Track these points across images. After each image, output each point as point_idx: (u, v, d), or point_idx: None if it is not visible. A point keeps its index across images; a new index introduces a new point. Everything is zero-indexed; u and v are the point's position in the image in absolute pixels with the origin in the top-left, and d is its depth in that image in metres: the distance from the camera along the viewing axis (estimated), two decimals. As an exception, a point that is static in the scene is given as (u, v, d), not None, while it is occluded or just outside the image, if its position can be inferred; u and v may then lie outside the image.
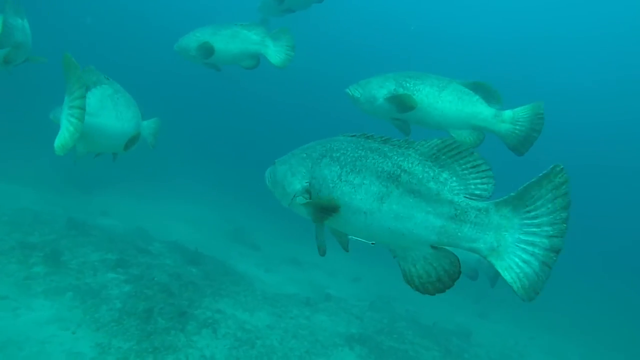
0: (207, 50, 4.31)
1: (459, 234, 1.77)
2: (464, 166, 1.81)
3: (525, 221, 1.74)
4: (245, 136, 24.16)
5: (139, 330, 4.22)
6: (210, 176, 14.90)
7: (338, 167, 1.94)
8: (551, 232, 1.71)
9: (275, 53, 4.46)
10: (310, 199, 2.01)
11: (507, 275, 1.74)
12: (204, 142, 20.71)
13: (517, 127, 3.30)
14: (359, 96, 3.59)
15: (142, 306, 4.64)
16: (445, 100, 3.40)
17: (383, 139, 1.97)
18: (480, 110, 3.40)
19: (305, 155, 2.11)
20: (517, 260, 1.73)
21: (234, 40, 4.35)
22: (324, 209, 1.92)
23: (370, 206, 1.85)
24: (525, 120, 3.28)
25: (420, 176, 1.82)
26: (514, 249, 1.73)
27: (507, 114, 3.34)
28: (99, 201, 9.63)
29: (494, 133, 3.41)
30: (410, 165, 1.85)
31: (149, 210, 10.47)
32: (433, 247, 1.84)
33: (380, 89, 3.50)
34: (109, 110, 2.72)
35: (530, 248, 1.72)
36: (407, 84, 3.44)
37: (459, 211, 1.77)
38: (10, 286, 4.56)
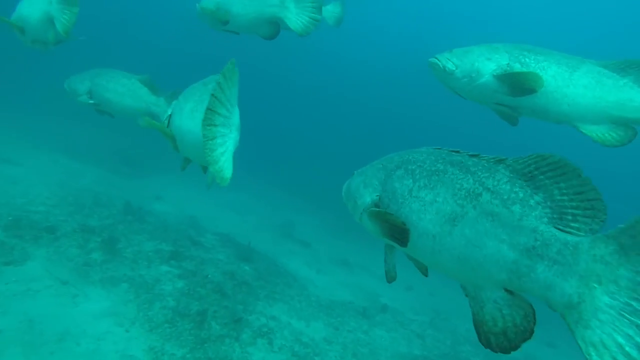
0: (223, 15, 3.59)
1: (532, 274, 1.36)
2: (564, 190, 1.40)
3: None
4: (297, 129, 23.90)
5: (193, 335, 3.90)
6: (260, 166, 14.73)
7: (411, 180, 1.70)
8: None
9: (296, 16, 3.58)
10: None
11: (592, 354, 1.16)
12: (255, 133, 20.71)
13: None
14: (454, 69, 2.72)
15: (196, 307, 4.34)
16: (579, 85, 2.58)
17: (471, 153, 1.66)
18: (631, 96, 2.54)
19: (381, 166, 1.89)
20: (611, 338, 1.14)
21: (252, 2, 3.60)
22: (391, 228, 1.66)
23: (440, 229, 1.56)
24: None
25: (506, 196, 1.47)
26: (610, 316, 1.17)
27: None
28: (153, 185, 9.64)
29: None
30: (495, 183, 1.51)
31: (200, 197, 10.39)
32: (507, 290, 1.48)
33: (487, 61, 2.67)
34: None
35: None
36: (527, 59, 2.62)
37: (538, 242, 1.38)
38: (70, 271, 4.43)
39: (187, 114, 1.94)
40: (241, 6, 3.59)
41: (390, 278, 2.13)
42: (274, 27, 3.74)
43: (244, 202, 11.31)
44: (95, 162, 9.56)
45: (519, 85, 2.55)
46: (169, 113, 2.20)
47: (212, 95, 1.72)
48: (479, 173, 1.56)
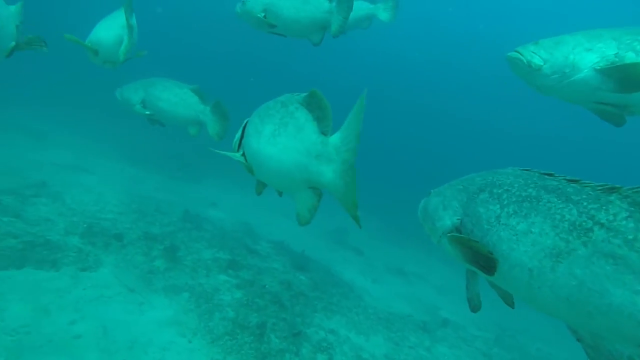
0: (270, 19, 3.45)
1: None
2: None
3: None
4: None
5: (254, 349, 3.85)
6: None
7: (497, 206, 1.56)
8: None
9: (336, 18, 3.52)
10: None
11: None
12: None
13: None
14: (542, 64, 2.34)
15: (255, 319, 4.30)
16: None
17: (569, 178, 1.51)
18: None
19: (461, 187, 1.78)
20: None
21: (305, 5, 3.45)
22: (476, 256, 1.54)
23: (539, 263, 1.40)
24: None
25: (631, 236, 1.26)
26: None
27: None
28: (208, 191, 9.92)
29: None
30: (611, 218, 1.31)
31: (253, 203, 10.53)
32: None
33: (586, 53, 2.25)
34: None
35: None
36: None
37: None
38: (136, 279, 4.57)
39: (267, 138, 1.80)
40: (294, 11, 3.50)
41: (474, 307, 1.97)
42: (323, 33, 3.66)
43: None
44: (155, 169, 10.03)
45: (632, 80, 2.11)
46: (239, 135, 2.09)
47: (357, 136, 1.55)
48: (585, 203, 1.38)
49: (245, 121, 2.11)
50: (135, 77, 4.83)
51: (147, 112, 4.64)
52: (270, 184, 2.07)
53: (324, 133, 1.71)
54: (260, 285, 5.05)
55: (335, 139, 1.69)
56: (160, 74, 4.86)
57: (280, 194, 2.21)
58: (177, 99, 4.56)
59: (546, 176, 1.57)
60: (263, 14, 3.50)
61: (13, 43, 2.48)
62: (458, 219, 1.71)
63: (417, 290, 8.05)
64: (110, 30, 3.15)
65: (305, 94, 1.80)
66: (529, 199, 1.49)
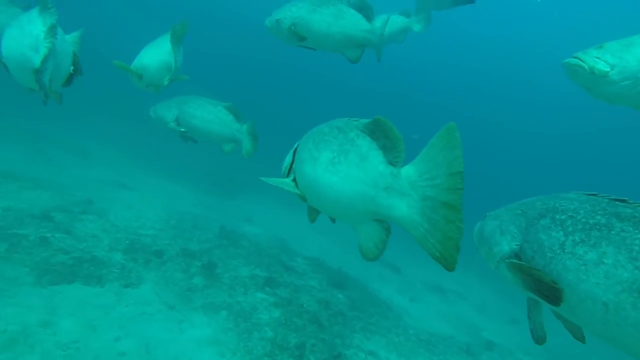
0: (299, 33, 3.33)
1: None
2: None
3: None
4: None
5: (294, 372, 3.77)
6: None
7: (561, 233, 1.47)
8: None
9: (379, 42, 3.43)
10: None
11: None
12: None
13: None
14: (608, 70, 2.13)
15: (294, 340, 4.22)
16: None
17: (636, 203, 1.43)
18: None
19: (520, 211, 1.72)
20: None
21: (337, 21, 3.33)
22: (539, 285, 1.46)
23: (615, 298, 1.30)
24: None
25: None
26: None
27: None
28: (243, 206, 10.03)
29: None
30: None
31: (287, 218, 10.56)
32: None
33: None
34: None
35: None
36: None
37: None
38: (176, 296, 4.62)
39: (325, 166, 1.68)
40: (325, 25, 3.39)
41: (538, 338, 1.83)
42: (360, 51, 3.55)
43: (331, 223, 11.23)
44: (191, 185, 10.27)
45: None
46: (290, 160, 2.02)
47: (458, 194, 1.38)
48: None
49: (295, 145, 2.05)
50: (169, 95, 4.94)
51: (182, 130, 4.69)
52: (326, 212, 1.97)
53: (392, 164, 1.58)
54: (298, 304, 4.98)
55: (409, 171, 1.54)
56: (192, 91, 4.96)
57: (333, 220, 2.10)
58: (211, 116, 4.58)
59: (618, 202, 1.47)
60: (292, 27, 3.41)
61: (71, 69, 2.59)
62: (517, 245, 1.63)
63: (456, 309, 7.72)
64: (155, 56, 3.24)
65: (366, 120, 1.69)
66: (598, 227, 1.40)
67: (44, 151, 9.00)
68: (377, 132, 1.63)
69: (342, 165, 1.66)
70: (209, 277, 5.12)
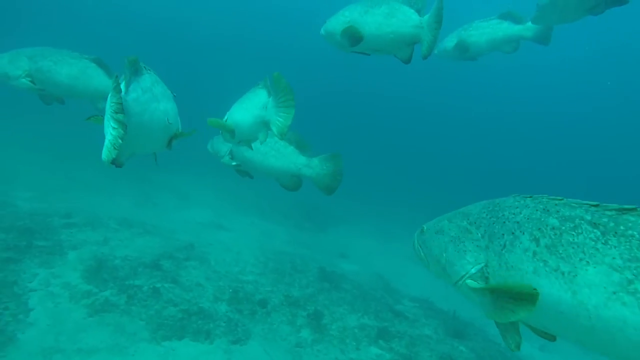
0: (352, 36, 3.07)
1: None
2: None
3: None
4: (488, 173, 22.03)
5: None
6: (440, 209, 13.64)
7: (528, 241, 1.47)
8: None
9: (427, 36, 3.07)
10: (486, 283, 1.55)
11: None
12: (442, 179, 19.80)
13: None
14: None
15: (426, 414, 3.55)
16: None
17: (591, 204, 1.46)
18: None
19: (466, 223, 1.71)
20: None
21: (389, 20, 3.11)
22: (515, 298, 1.40)
23: (598, 301, 1.30)
24: None
25: None
26: None
27: None
28: (335, 239, 9.66)
29: None
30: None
31: (381, 249, 9.94)
32: None
33: None
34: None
35: None
36: None
37: None
38: (286, 353, 4.27)
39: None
40: (376, 26, 3.10)
41: (515, 345, 1.67)
42: (411, 49, 3.19)
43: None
44: (281, 220, 10.21)
45: None
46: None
47: None
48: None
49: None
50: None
51: (233, 163, 4.12)
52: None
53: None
54: (419, 363, 4.31)
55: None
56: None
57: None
58: (266, 148, 3.83)
59: (567, 204, 1.50)
60: (346, 32, 3.22)
61: (179, 130, 2.41)
62: (482, 264, 1.59)
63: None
64: (249, 112, 2.92)
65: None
66: (563, 232, 1.43)
67: (149, 194, 9.63)
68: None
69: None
70: (317, 329, 4.70)
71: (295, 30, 24.00)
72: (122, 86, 1.95)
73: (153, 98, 2.17)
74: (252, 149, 3.42)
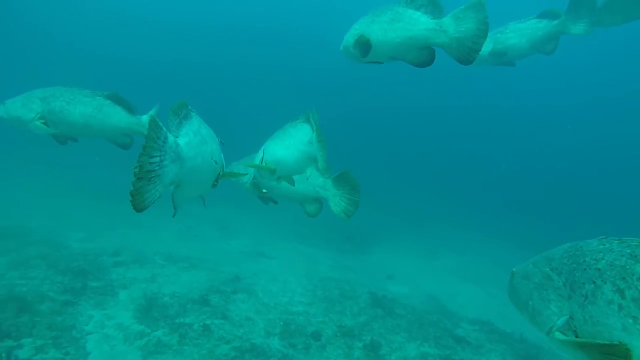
0: (363, 46, 2.95)
1: None
2: None
3: None
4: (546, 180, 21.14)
5: None
6: (486, 226, 13.05)
7: (610, 292, 1.33)
8: None
9: (456, 44, 2.84)
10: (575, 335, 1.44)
11: None
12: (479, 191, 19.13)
13: None
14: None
15: None
16: None
17: None
18: None
19: (548, 269, 1.59)
20: None
21: (394, 24, 3.02)
22: (606, 353, 1.27)
23: None
24: None
25: None
26: None
27: None
28: (380, 261, 9.34)
29: None
30: None
31: (427, 267, 9.51)
32: None
33: None
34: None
35: None
36: None
37: None
38: (344, 390, 4.01)
39: None
40: (381, 33, 2.98)
41: None
42: (426, 53, 2.98)
43: (476, 267, 9.82)
44: (323, 243, 10.00)
45: None
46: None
47: None
48: None
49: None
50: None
51: (264, 191, 3.97)
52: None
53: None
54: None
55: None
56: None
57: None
58: None
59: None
60: (356, 44, 3.13)
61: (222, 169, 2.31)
62: (567, 316, 1.47)
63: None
64: (292, 148, 2.78)
65: None
66: None
67: (190, 226, 9.72)
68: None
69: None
70: (375, 361, 4.43)
71: (303, 52, 24.33)
72: (164, 132, 1.75)
73: (202, 141, 2.08)
74: (294, 184, 3.23)
